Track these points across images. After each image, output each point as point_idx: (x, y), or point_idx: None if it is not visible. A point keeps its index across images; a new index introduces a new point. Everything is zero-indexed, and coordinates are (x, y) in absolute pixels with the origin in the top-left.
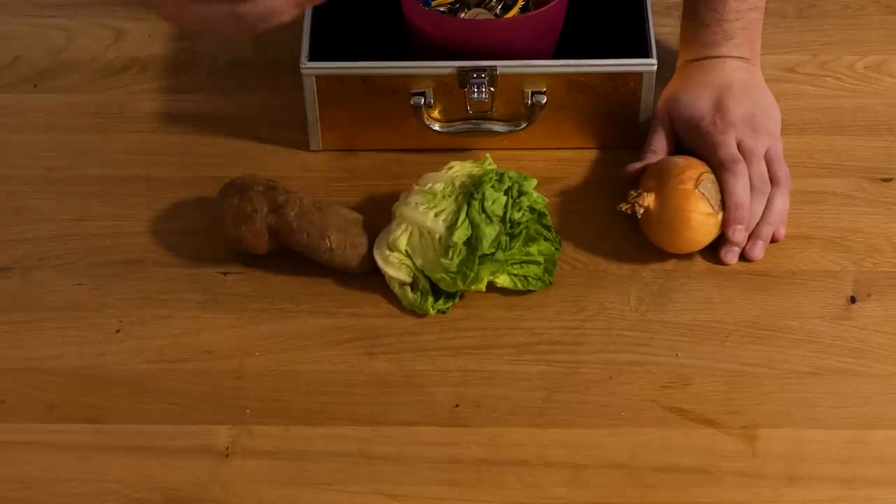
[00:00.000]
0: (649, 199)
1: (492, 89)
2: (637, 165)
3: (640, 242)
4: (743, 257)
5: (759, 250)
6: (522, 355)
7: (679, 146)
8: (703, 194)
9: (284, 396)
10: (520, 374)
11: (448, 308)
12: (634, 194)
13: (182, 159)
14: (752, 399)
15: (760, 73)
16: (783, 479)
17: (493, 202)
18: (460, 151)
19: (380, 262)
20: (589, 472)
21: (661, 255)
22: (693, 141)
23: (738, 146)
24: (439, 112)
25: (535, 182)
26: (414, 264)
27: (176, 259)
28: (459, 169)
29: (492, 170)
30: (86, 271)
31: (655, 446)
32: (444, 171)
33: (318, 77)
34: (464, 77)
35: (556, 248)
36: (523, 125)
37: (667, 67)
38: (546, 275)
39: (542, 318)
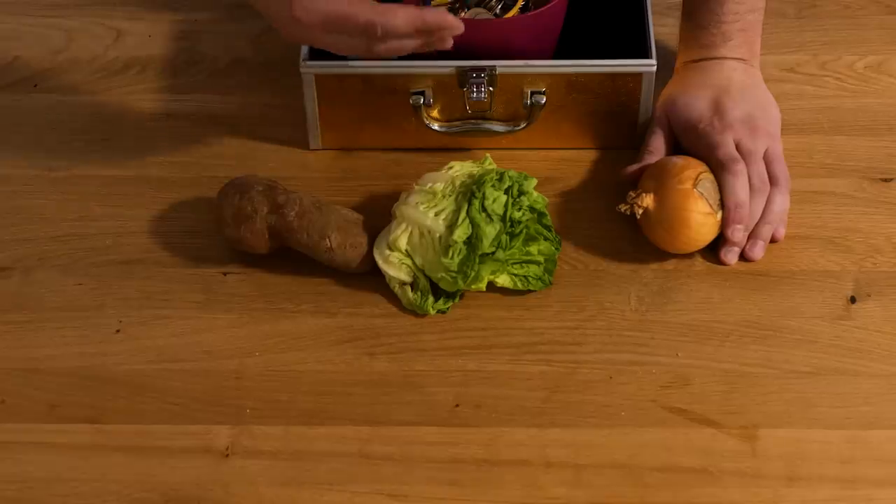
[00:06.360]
0: (648, 200)
1: (491, 89)
2: (635, 167)
3: (640, 242)
4: (743, 257)
5: (758, 250)
6: (522, 355)
7: (678, 147)
8: (702, 194)
9: (284, 396)
10: (520, 374)
11: (448, 308)
12: (633, 195)
13: (182, 159)
14: (752, 399)
15: (759, 73)
16: (783, 479)
17: (494, 201)
18: (460, 151)
19: (380, 262)
20: (589, 472)
21: (661, 255)
22: (691, 142)
23: (737, 147)
24: (438, 112)
25: (535, 182)
26: (414, 264)
27: (176, 259)
28: (459, 169)
29: (492, 169)
30: (86, 271)
31: (655, 446)
32: (444, 171)
33: (317, 76)
34: (463, 77)
35: (556, 248)
36: (523, 125)
37: (666, 68)
38: (546, 275)
39: (542, 318)
